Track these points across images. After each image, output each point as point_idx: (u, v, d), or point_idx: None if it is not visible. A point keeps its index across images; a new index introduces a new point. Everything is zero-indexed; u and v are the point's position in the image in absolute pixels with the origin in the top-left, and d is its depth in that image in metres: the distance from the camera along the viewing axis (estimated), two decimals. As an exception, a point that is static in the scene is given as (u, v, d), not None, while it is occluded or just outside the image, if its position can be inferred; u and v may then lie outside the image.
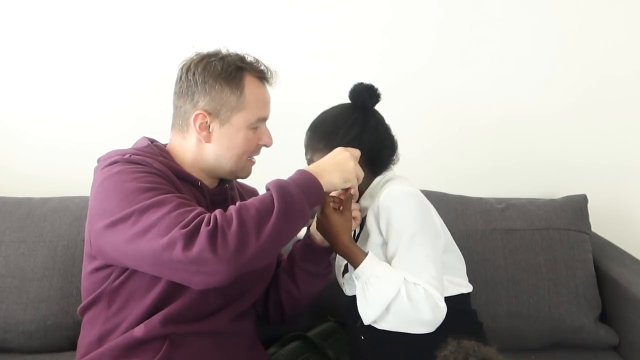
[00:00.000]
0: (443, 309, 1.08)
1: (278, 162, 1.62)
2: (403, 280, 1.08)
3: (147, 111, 1.66)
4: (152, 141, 1.18)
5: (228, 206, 1.14)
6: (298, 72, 1.77)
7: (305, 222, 1.04)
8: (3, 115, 1.78)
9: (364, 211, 1.21)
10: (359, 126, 1.20)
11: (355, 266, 1.12)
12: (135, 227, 0.96)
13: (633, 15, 1.81)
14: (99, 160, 1.12)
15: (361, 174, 1.12)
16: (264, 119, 1.17)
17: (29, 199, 1.60)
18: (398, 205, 1.13)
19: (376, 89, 1.21)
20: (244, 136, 1.13)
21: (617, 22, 1.81)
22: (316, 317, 1.48)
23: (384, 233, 1.15)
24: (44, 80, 1.77)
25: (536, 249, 1.59)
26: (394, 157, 1.25)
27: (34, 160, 1.80)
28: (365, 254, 1.12)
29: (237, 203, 1.01)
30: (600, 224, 1.77)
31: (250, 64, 1.14)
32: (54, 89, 1.78)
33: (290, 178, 1.05)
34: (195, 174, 1.14)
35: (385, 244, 1.16)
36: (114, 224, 0.98)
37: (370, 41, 1.80)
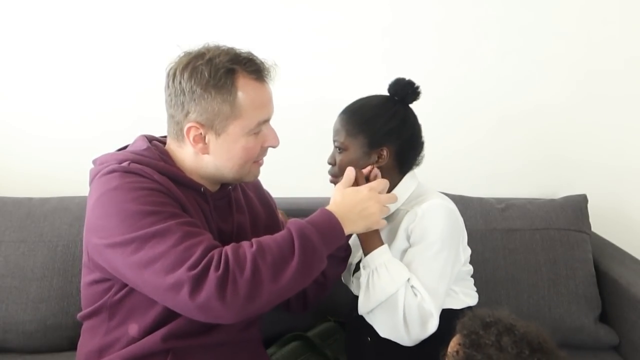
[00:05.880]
0: (430, 328, 1.08)
1: (279, 162, 1.62)
2: (406, 280, 1.09)
3: (147, 111, 1.65)
4: (151, 140, 1.11)
5: (232, 209, 1.13)
6: (298, 72, 1.77)
7: (321, 270, 0.99)
8: (3, 115, 1.78)
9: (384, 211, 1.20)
10: (399, 119, 1.19)
11: (369, 251, 1.12)
12: (137, 255, 0.91)
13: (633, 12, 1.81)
14: (94, 163, 1.07)
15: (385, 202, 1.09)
16: (266, 121, 1.07)
17: (29, 199, 1.60)
18: (439, 220, 1.13)
19: (418, 86, 1.20)
20: (244, 144, 1.04)
21: (618, 20, 1.81)
22: (316, 317, 1.48)
23: (411, 240, 1.14)
24: (44, 80, 1.77)
25: (536, 249, 1.59)
26: (420, 157, 1.24)
27: (34, 160, 1.80)
28: (382, 243, 1.13)
29: (255, 244, 0.93)
30: (600, 224, 1.77)
31: (242, 62, 1.02)
32: (54, 89, 1.78)
33: (315, 223, 0.98)
34: (196, 179, 1.07)
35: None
36: (112, 246, 0.93)
37: (370, 41, 1.80)
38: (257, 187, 1.28)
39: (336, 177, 1.22)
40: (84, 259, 1.06)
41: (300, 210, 1.67)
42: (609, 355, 1.53)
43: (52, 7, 1.73)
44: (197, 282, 0.87)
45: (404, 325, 1.08)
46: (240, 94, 1.01)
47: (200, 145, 1.03)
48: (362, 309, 1.13)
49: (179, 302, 0.90)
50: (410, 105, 1.23)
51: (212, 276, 0.87)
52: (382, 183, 1.13)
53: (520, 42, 1.81)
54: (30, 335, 1.46)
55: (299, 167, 1.79)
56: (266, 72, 1.05)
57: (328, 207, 1.03)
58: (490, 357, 0.78)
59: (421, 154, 1.24)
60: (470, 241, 1.26)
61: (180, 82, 1.00)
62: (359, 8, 1.78)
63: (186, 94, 1.00)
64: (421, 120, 1.24)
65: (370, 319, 1.14)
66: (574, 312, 1.54)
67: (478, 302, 1.25)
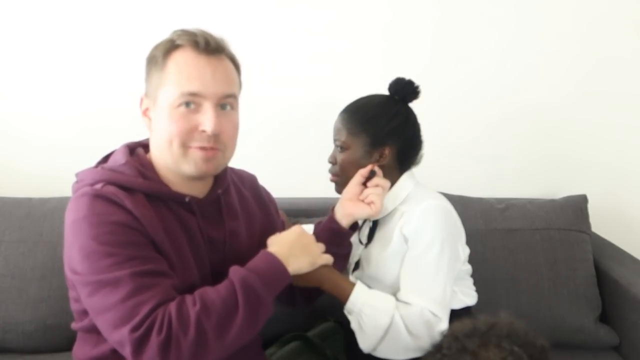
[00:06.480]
0: (439, 334, 1.07)
1: (279, 162, 1.63)
2: (395, 304, 1.09)
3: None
4: (135, 148, 1.06)
5: (223, 218, 1.07)
6: (298, 72, 1.77)
7: (268, 317, 0.96)
8: (3, 115, 1.78)
9: (384, 210, 1.20)
10: (401, 118, 1.20)
11: (346, 297, 1.11)
12: (92, 300, 0.91)
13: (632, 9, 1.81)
14: (76, 176, 1.04)
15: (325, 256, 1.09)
16: (197, 96, 0.96)
17: (29, 199, 1.60)
18: (436, 221, 1.13)
19: (418, 86, 1.21)
20: (169, 115, 0.96)
21: (617, 17, 1.81)
22: (316, 317, 1.48)
23: (410, 243, 1.14)
24: (44, 80, 1.77)
25: (536, 249, 1.59)
26: (419, 156, 1.25)
27: (34, 160, 1.80)
28: (353, 284, 1.12)
29: (198, 302, 0.90)
30: (600, 224, 1.77)
31: (184, 35, 0.98)
32: (54, 89, 1.78)
33: (257, 270, 0.96)
34: (176, 181, 1.02)
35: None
36: (74, 279, 0.94)
37: (369, 42, 1.80)
38: (254, 187, 1.22)
39: (337, 176, 1.22)
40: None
41: (300, 210, 1.68)
42: (609, 355, 1.54)
43: (52, 6, 1.73)
44: (139, 345, 0.86)
45: (412, 339, 1.07)
46: (170, 63, 0.98)
47: (147, 120, 1.02)
48: (366, 348, 1.12)
49: (126, 357, 0.89)
50: (410, 105, 1.23)
51: (154, 340, 0.85)
52: (382, 182, 1.14)
53: (519, 41, 1.81)
54: (30, 335, 1.45)
55: (298, 167, 1.79)
56: (208, 45, 0.98)
57: (271, 249, 1.01)
58: None
59: (420, 153, 1.24)
60: (470, 241, 1.26)
61: None
62: (358, 8, 1.78)
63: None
64: (421, 119, 1.24)
65: (379, 354, 1.11)
66: (574, 312, 1.54)
67: (478, 302, 1.25)
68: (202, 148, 0.98)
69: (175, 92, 0.96)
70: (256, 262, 0.98)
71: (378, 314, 1.08)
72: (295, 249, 1.02)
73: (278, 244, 1.03)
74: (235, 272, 0.95)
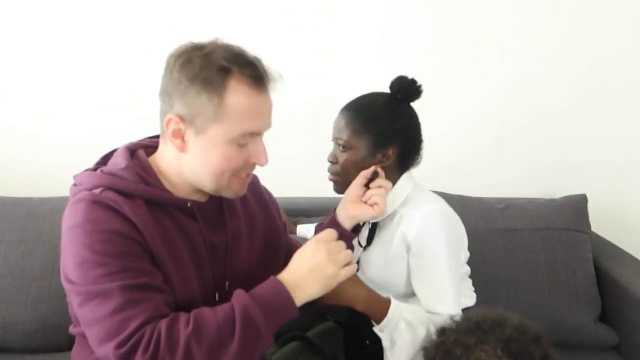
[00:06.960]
0: None
1: (279, 162, 1.60)
2: (428, 315, 1.08)
3: (148, 110, 1.66)
4: (136, 150, 1.02)
5: (225, 222, 1.05)
6: (298, 72, 1.77)
7: (267, 350, 0.91)
8: (3, 115, 1.78)
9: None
10: (406, 119, 1.19)
11: (382, 316, 1.07)
12: (83, 310, 0.88)
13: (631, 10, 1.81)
14: (74, 179, 1.00)
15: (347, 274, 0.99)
16: (255, 134, 0.95)
17: (29, 199, 1.60)
18: (440, 229, 1.12)
19: (420, 85, 1.19)
20: (224, 153, 0.93)
21: (615, 19, 1.81)
22: (316, 317, 1.48)
23: (414, 250, 1.13)
24: (45, 79, 1.77)
25: (536, 249, 1.59)
26: (419, 157, 1.24)
27: (34, 160, 1.80)
28: (387, 302, 1.08)
29: (192, 323, 0.86)
30: (600, 224, 1.77)
31: (241, 63, 0.91)
32: (54, 89, 1.78)
33: (262, 299, 0.90)
34: (182, 187, 0.99)
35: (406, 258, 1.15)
36: (68, 288, 0.92)
37: (369, 42, 1.80)
38: (256, 187, 1.19)
39: (337, 176, 1.20)
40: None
41: (300, 210, 1.68)
42: (609, 355, 1.54)
43: (53, 6, 1.74)
44: None
45: None
46: (229, 97, 0.91)
47: (179, 142, 0.95)
48: None
49: None
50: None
51: (139, 359, 0.83)
52: (385, 184, 1.13)
53: (520, 42, 1.81)
54: (30, 335, 1.46)
55: (298, 167, 1.79)
56: (268, 81, 0.94)
57: (281, 276, 0.95)
58: None
59: (420, 154, 1.23)
60: (470, 241, 1.26)
61: (172, 71, 0.93)
62: (358, 9, 1.78)
63: (175, 84, 0.92)
64: (421, 120, 1.24)
65: None
66: (574, 312, 1.54)
67: (478, 303, 1.25)
68: (247, 177, 1.00)
69: (237, 131, 0.93)
70: (264, 290, 0.93)
71: (416, 324, 1.06)
72: (309, 279, 0.94)
73: (295, 270, 0.96)
74: (238, 297, 0.91)
